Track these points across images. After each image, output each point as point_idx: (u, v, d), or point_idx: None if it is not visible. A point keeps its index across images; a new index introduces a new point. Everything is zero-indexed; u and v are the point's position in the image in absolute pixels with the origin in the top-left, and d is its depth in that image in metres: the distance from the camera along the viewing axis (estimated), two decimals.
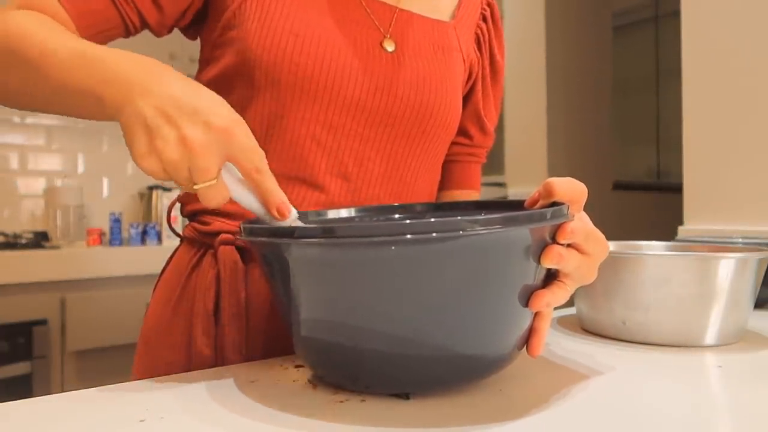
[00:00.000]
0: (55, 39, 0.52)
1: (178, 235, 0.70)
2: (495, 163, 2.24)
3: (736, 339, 0.61)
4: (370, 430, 0.37)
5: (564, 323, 0.71)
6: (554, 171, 1.99)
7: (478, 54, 0.76)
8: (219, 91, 0.51)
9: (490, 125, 0.79)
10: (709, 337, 0.59)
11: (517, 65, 2.07)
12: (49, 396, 0.44)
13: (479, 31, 0.76)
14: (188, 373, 0.50)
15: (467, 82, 0.76)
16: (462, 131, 0.78)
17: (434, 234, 0.36)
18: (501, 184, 2.11)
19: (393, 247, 0.36)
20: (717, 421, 0.40)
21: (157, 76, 0.46)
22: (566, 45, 2.04)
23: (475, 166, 0.82)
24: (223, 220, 0.63)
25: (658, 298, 0.59)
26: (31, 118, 2.50)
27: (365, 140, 0.65)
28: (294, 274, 0.41)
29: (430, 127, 0.68)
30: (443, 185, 0.80)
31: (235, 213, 0.63)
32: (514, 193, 2.07)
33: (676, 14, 1.22)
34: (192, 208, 0.67)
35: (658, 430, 0.37)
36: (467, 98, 0.77)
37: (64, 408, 0.42)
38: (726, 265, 0.58)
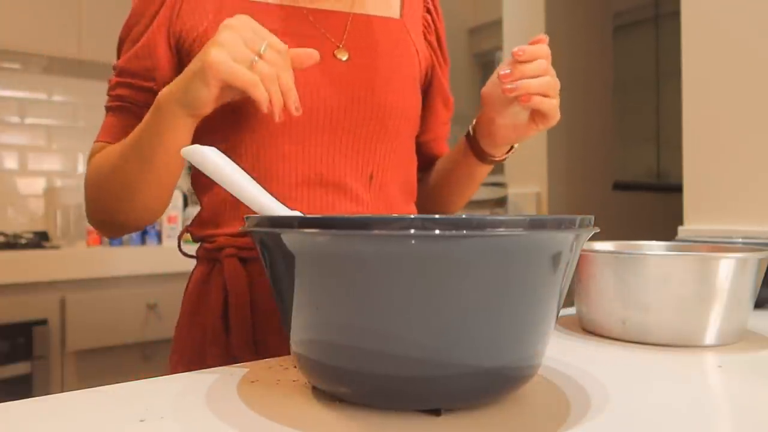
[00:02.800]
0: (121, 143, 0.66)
1: (192, 256, 0.75)
2: None
3: (736, 339, 0.61)
4: (371, 431, 0.37)
5: (564, 323, 0.71)
6: (554, 171, 1.99)
7: (429, 40, 0.81)
8: (206, 133, 0.65)
9: (450, 97, 0.86)
10: (709, 337, 0.59)
11: None
12: (49, 396, 0.44)
13: (425, 22, 0.81)
14: (188, 373, 0.50)
15: (426, 71, 0.81)
16: (431, 111, 0.83)
17: (465, 231, 0.34)
18: (501, 184, 2.11)
19: (413, 241, 0.34)
20: (717, 421, 0.40)
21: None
22: (566, 45, 2.04)
23: (444, 142, 0.89)
24: (226, 237, 0.69)
25: (658, 298, 0.59)
26: (31, 118, 2.50)
27: (331, 145, 0.68)
28: (316, 272, 0.38)
29: (392, 124, 0.72)
30: (425, 166, 0.86)
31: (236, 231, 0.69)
32: (514, 192, 2.07)
33: (676, 14, 1.22)
34: (201, 234, 0.72)
35: (658, 430, 0.37)
36: (431, 83, 0.82)
37: (64, 408, 0.42)
38: (726, 265, 0.58)
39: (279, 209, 0.48)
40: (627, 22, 2.76)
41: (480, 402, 0.41)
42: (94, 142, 0.71)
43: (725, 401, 0.44)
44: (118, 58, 0.71)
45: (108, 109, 0.71)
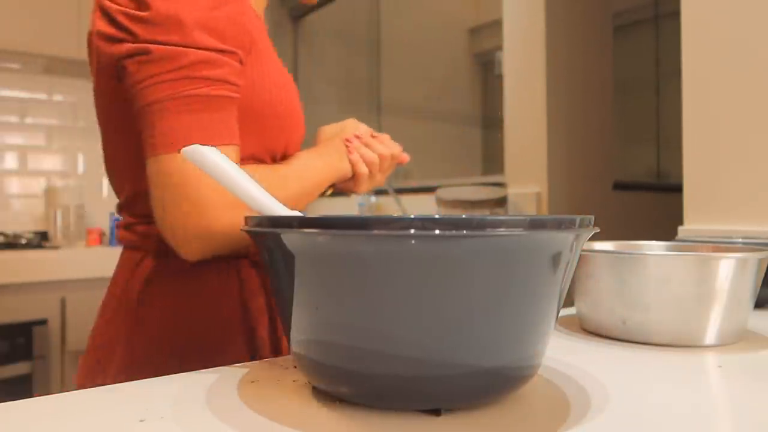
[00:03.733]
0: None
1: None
2: (495, 163, 2.24)
3: (736, 339, 0.61)
4: (371, 430, 0.37)
5: (564, 323, 0.71)
6: (554, 171, 1.99)
7: None
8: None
9: None
10: (709, 337, 0.59)
11: (517, 65, 2.07)
12: (49, 396, 0.44)
13: None
14: (188, 373, 0.50)
15: None
16: None
17: (465, 231, 0.34)
18: (501, 184, 2.11)
19: (413, 241, 0.34)
20: (717, 421, 0.40)
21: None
22: (566, 45, 2.04)
23: None
24: None
25: (658, 298, 0.59)
26: (31, 119, 2.50)
27: (259, 145, 0.71)
28: (316, 272, 0.38)
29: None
30: None
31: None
32: (514, 192, 2.07)
33: (676, 14, 1.22)
34: None
35: (658, 431, 0.37)
36: None
37: (64, 408, 0.42)
38: (726, 265, 0.58)
39: (279, 209, 0.48)
40: (627, 22, 2.76)
41: (480, 402, 0.41)
42: (228, 144, 0.59)
43: (725, 401, 0.44)
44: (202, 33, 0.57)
45: (219, 99, 0.58)
